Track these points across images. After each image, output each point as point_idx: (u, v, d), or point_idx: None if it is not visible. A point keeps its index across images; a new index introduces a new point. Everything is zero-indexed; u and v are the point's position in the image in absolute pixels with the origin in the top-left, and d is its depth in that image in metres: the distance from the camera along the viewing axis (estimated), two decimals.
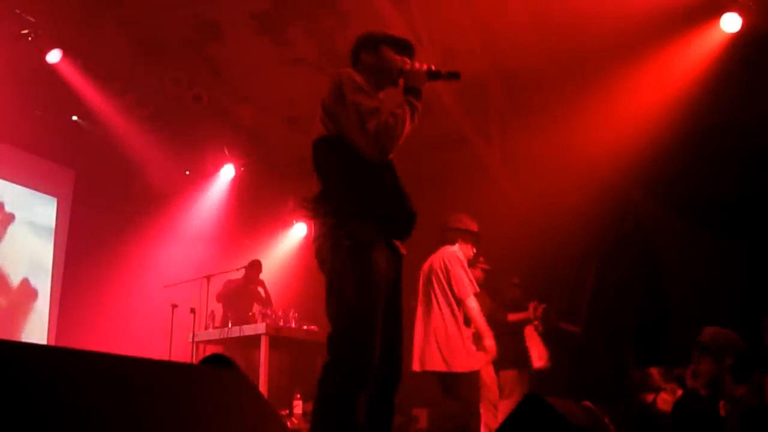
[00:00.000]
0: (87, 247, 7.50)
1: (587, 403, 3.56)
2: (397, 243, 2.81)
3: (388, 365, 2.66)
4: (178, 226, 8.09)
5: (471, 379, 4.58)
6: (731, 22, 5.65)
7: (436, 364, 4.56)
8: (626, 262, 6.89)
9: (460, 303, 4.68)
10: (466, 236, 4.97)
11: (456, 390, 4.62)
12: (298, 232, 9.28)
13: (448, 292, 4.75)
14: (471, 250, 5.07)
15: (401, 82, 2.84)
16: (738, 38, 5.73)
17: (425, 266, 5.00)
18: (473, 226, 5.02)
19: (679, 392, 4.32)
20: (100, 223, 7.56)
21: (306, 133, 8.88)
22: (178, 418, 1.29)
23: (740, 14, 5.60)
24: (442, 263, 4.80)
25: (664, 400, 4.63)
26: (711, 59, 5.93)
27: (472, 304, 4.64)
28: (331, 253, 2.67)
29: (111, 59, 6.87)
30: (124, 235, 7.55)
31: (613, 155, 6.58)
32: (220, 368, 1.55)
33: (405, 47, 2.95)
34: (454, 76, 2.86)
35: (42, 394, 1.04)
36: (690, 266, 6.66)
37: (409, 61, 2.89)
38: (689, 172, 6.48)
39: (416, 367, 4.70)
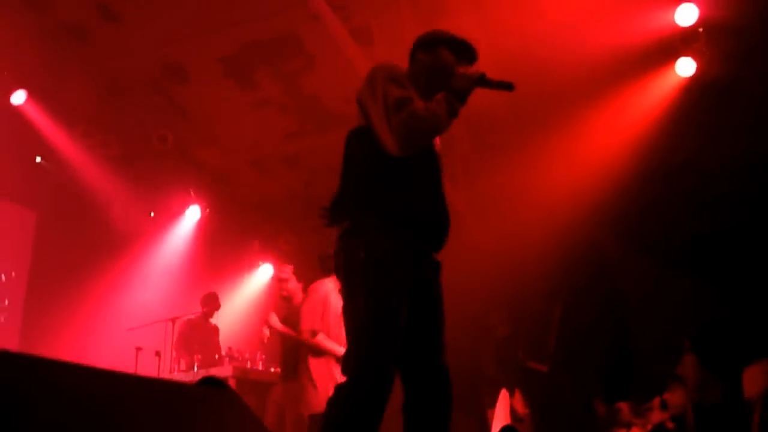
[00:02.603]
0: (48, 290, 7.33)
1: None
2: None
3: (431, 386, 2.45)
4: (143, 268, 7.97)
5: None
6: (686, 67, 5.87)
7: None
8: (591, 299, 6.98)
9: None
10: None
11: None
12: (263, 273, 9.22)
13: None
14: None
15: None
16: (692, 82, 5.95)
17: None
18: None
19: (649, 427, 4.36)
20: (62, 266, 7.41)
21: (271, 175, 8.89)
22: None
23: (694, 59, 5.82)
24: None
25: None
26: (667, 102, 6.13)
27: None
28: (344, 266, 2.46)
29: (76, 100, 6.83)
30: (87, 278, 7.41)
31: (575, 195, 6.71)
32: (216, 389, 1.55)
33: (466, 51, 2.72)
34: (505, 86, 2.61)
35: (38, 407, 1.02)
36: (651, 301, 6.78)
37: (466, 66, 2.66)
38: (649, 212, 6.65)
39: None
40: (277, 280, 5.75)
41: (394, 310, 2.37)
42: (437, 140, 2.76)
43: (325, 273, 5.05)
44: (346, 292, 2.47)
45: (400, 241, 2.42)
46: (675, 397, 4.02)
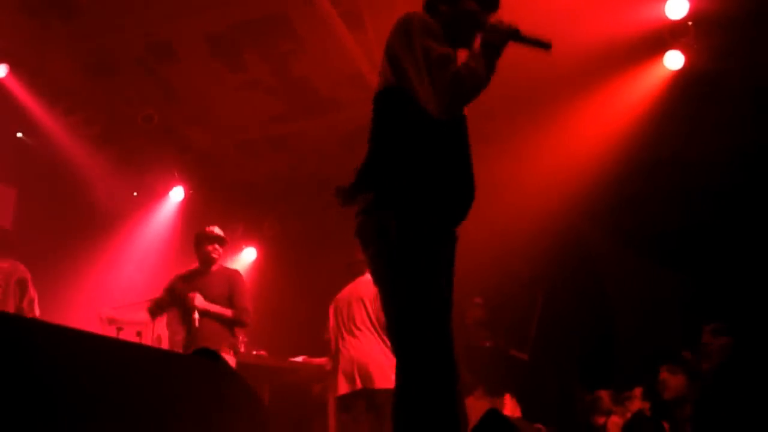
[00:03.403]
0: (27, 269, 7.25)
1: (540, 425, 3.61)
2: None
3: None
4: (125, 248, 7.92)
5: None
6: (674, 60, 5.90)
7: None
8: (573, 288, 7.03)
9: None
10: None
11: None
12: (246, 256, 9.19)
13: (374, 319, 4.94)
14: None
15: (478, 41, 2.38)
16: (680, 75, 5.98)
17: (343, 295, 5.17)
18: None
19: (629, 415, 4.41)
20: (42, 244, 7.33)
21: (257, 157, 8.80)
22: (175, 401, 1.28)
23: (683, 52, 5.85)
24: (370, 292, 4.94)
25: (615, 423, 4.71)
26: (655, 95, 6.16)
27: None
28: (376, 236, 2.23)
29: (59, 76, 6.72)
30: (68, 257, 7.33)
31: (560, 186, 6.74)
32: (209, 360, 1.56)
33: (489, 3, 2.50)
34: (542, 45, 2.39)
35: (39, 369, 1.01)
36: (633, 293, 6.83)
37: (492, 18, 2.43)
38: (634, 204, 6.69)
39: (363, 384, 4.77)
40: (210, 239, 5.29)
41: (440, 279, 2.23)
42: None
43: (355, 277, 5.15)
44: (382, 268, 2.26)
45: (434, 209, 2.25)
46: (675, 379, 4.04)
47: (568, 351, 6.82)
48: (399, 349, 2.19)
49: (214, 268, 5.27)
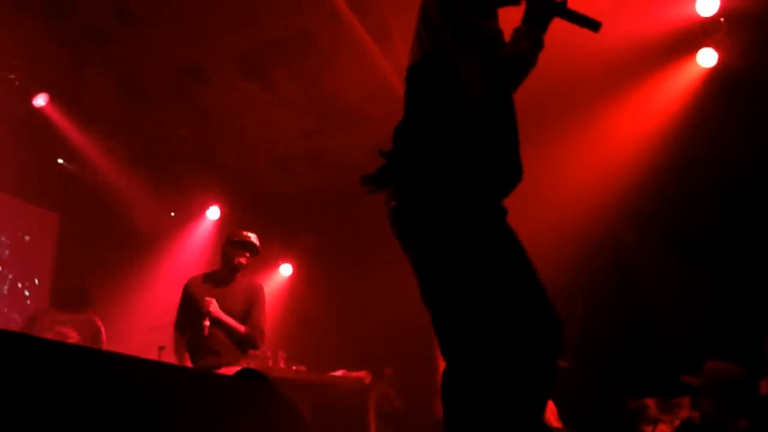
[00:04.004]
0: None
1: None
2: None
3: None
4: (165, 268, 8.03)
5: None
6: (707, 58, 5.81)
7: None
8: (612, 293, 6.91)
9: None
10: None
11: None
12: (283, 272, 9.26)
13: None
14: None
15: (523, 2, 2.10)
16: (714, 73, 5.88)
17: None
18: None
19: (677, 423, 4.32)
20: (85, 266, 7.49)
21: (290, 174, 8.86)
22: (229, 422, 1.29)
23: (716, 50, 5.76)
24: None
25: None
26: (689, 93, 6.07)
27: None
28: (423, 222, 1.95)
29: (96, 103, 6.90)
30: (110, 278, 7.47)
31: (595, 189, 6.66)
32: (257, 381, 1.58)
33: None
34: (590, 24, 2.13)
35: (91, 398, 1.04)
36: (672, 296, 6.70)
37: None
38: (669, 205, 6.58)
39: None
40: (243, 245, 4.81)
41: (522, 257, 1.99)
42: None
43: None
44: (436, 258, 1.94)
45: (483, 186, 2.00)
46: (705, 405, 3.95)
47: (609, 357, 6.71)
48: (463, 346, 1.90)
49: (237, 276, 4.89)
